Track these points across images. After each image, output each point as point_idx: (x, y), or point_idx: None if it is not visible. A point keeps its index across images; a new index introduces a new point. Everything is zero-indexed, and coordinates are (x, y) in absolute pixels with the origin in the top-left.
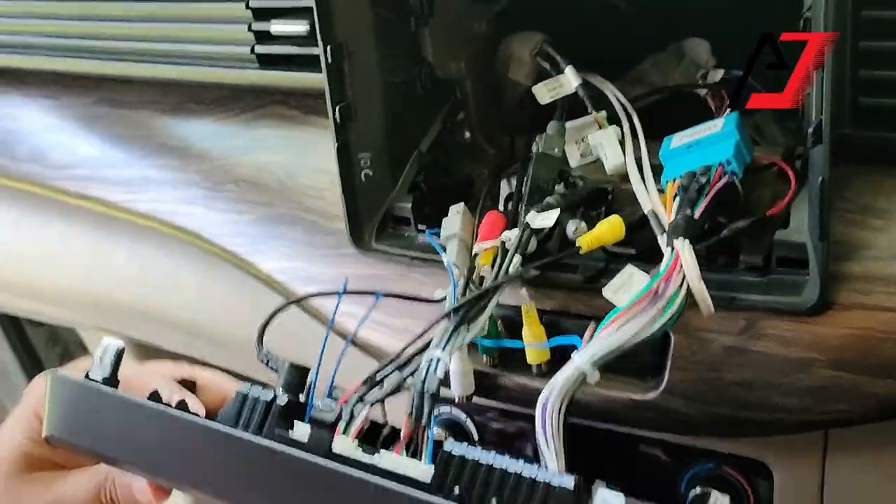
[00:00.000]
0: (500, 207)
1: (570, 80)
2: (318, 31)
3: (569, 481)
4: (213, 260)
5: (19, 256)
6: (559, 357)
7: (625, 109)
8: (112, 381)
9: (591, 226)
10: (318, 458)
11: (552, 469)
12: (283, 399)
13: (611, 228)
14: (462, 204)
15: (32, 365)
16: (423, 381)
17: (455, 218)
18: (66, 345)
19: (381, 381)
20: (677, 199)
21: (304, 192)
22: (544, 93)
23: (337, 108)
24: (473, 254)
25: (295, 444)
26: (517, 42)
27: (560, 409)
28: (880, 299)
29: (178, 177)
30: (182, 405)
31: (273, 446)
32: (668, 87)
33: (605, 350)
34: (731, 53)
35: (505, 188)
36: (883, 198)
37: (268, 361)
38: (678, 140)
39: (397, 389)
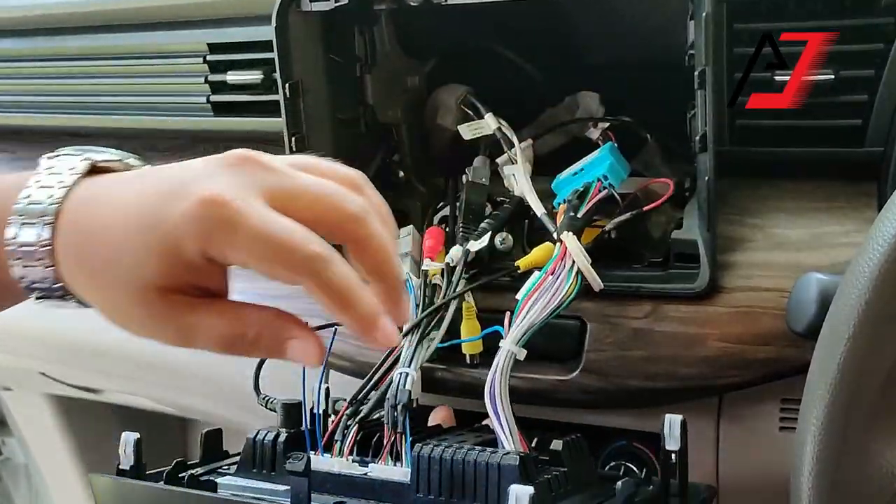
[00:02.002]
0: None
1: (489, 124)
2: (277, 70)
3: (514, 459)
4: None
5: None
6: (487, 350)
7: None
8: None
9: (515, 238)
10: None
11: (508, 448)
12: (283, 436)
13: (544, 253)
14: (411, 226)
15: None
16: (396, 395)
17: (406, 239)
18: None
19: (363, 400)
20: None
21: None
22: (467, 131)
23: (293, 139)
24: (423, 270)
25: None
26: (445, 92)
27: (505, 391)
28: (760, 281)
29: None
30: None
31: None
32: (559, 124)
33: (523, 330)
34: (617, 103)
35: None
36: (758, 202)
37: (266, 404)
38: (567, 171)
39: (377, 406)
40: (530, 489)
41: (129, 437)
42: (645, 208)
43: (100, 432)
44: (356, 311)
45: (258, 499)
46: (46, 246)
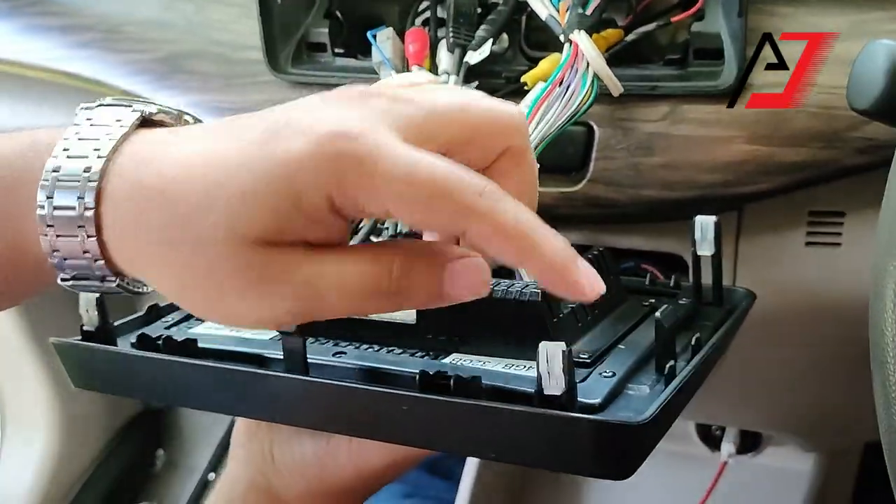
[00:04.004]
0: None
1: None
2: None
3: (535, 294)
4: None
5: None
6: None
7: None
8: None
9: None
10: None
11: (526, 279)
12: None
13: (552, 65)
14: (391, 29)
15: None
16: (397, 225)
17: (385, 44)
18: None
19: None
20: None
21: (212, 26)
22: None
23: None
24: None
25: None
26: None
27: None
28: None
29: (70, 22)
30: None
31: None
32: None
33: (534, 144)
34: None
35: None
36: None
37: None
38: None
39: (372, 232)
40: (562, 345)
41: (89, 296)
42: (674, 19)
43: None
44: (546, 253)
45: (242, 353)
46: (90, 210)
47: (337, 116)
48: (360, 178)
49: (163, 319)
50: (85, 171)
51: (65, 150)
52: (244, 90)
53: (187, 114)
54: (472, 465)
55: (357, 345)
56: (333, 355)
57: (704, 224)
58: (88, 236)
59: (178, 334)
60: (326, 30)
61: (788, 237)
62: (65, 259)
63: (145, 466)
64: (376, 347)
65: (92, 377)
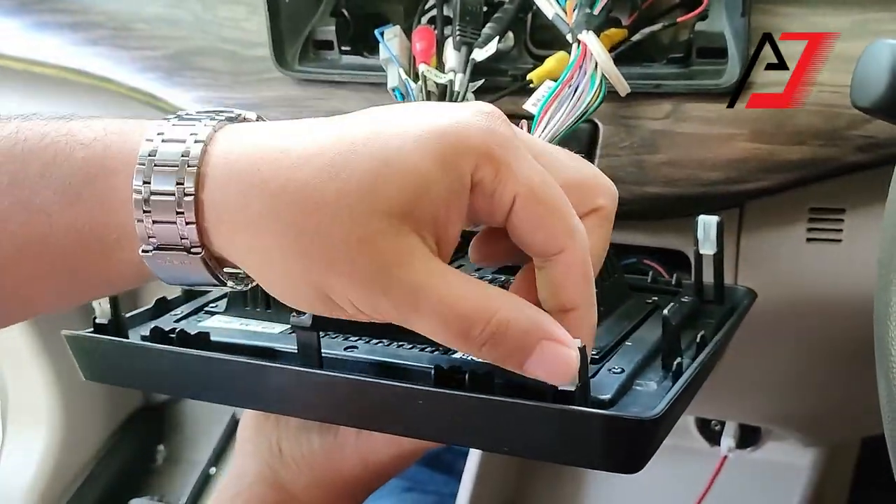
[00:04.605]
0: None
1: None
2: None
3: None
4: (124, 101)
5: None
6: None
7: None
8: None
9: (516, 38)
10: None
11: None
12: None
13: (558, 64)
14: (398, 27)
15: None
16: None
17: (392, 42)
18: None
19: None
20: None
21: (221, 24)
22: None
23: None
24: (422, 74)
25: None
26: None
27: None
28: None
29: (79, 19)
30: None
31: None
32: None
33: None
34: None
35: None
36: None
37: None
38: None
39: None
40: (577, 342)
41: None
42: (680, 19)
43: None
44: (589, 303)
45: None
46: (190, 196)
47: (485, 120)
48: (508, 152)
49: (172, 312)
50: (184, 156)
51: (159, 134)
52: (252, 87)
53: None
54: (473, 459)
55: (367, 339)
56: (345, 349)
57: (707, 223)
58: (187, 223)
59: (190, 327)
60: (333, 27)
61: (789, 234)
62: (159, 245)
63: (146, 461)
64: (386, 342)
65: (104, 370)
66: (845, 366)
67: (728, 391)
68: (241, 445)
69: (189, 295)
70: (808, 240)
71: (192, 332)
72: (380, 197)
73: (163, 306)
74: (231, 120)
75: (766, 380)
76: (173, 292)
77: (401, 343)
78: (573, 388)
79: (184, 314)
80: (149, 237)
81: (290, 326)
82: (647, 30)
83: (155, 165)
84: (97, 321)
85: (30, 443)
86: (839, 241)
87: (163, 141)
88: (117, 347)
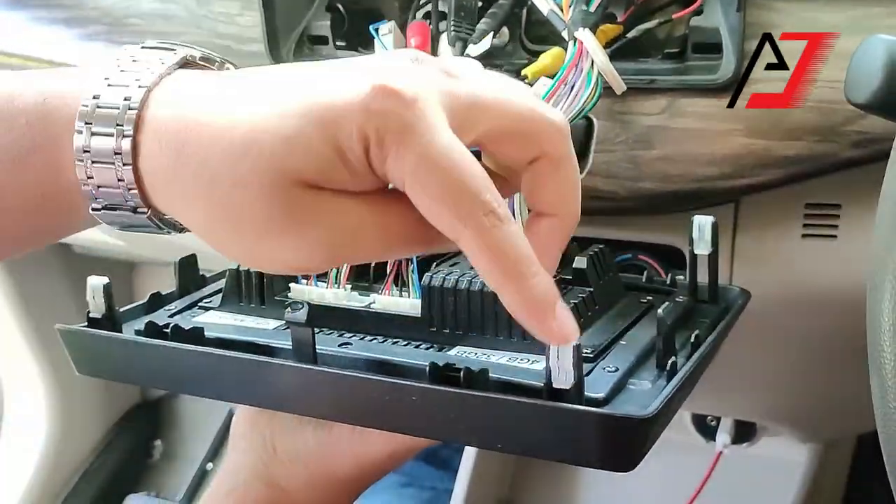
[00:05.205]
0: None
1: None
2: None
3: None
4: None
5: None
6: None
7: None
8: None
9: (511, 34)
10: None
11: None
12: None
13: (553, 60)
14: (392, 23)
15: None
16: None
17: (387, 37)
18: None
19: None
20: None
21: (215, 19)
22: None
23: None
24: None
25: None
26: None
27: (524, 208)
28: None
29: (74, 14)
30: None
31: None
32: None
33: None
34: None
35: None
36: None
37: None
38: None
39: None
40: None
41: (96, 282)
42: (675, 16)
43: (42, 284)
44: (527, 288)
45: (250, 343)
46: (127, 138)
47: (397, 77)
48: (399, 143)
49: (166, 308)
50: (125, 100)
51: (105, 79)
52: None
53: (230, 62)
54: (469, 455)
55: (362, 336)
56: (339, 346)
57: (702, 223)
58: (124, 164)
59: (185, 322)
60: (328, 22)
61: (785, 229)
62: (98, 187)
63: (143, 457)
64: (381, 339)
65: (98, 364)
66: (841, 361)
67: (724, 387)
68: (234, 442)
69: (184, 290)
70: (804, 236)
71: (187, 328)
72: (290, 168)
73: (157, 301)
74: (187, 64)
75: (762, 375)
76: (168, 287)
77: (395, 340)
78: (568, 387)
79: (178, 309)
80: (87, 177)
81: (284, 322)
82: (642, 27)
83: (97, 108)
84: (91, 315)
85: (26, 439)
86: (835, 237)
87: (108, 86)
88: (111, 342)
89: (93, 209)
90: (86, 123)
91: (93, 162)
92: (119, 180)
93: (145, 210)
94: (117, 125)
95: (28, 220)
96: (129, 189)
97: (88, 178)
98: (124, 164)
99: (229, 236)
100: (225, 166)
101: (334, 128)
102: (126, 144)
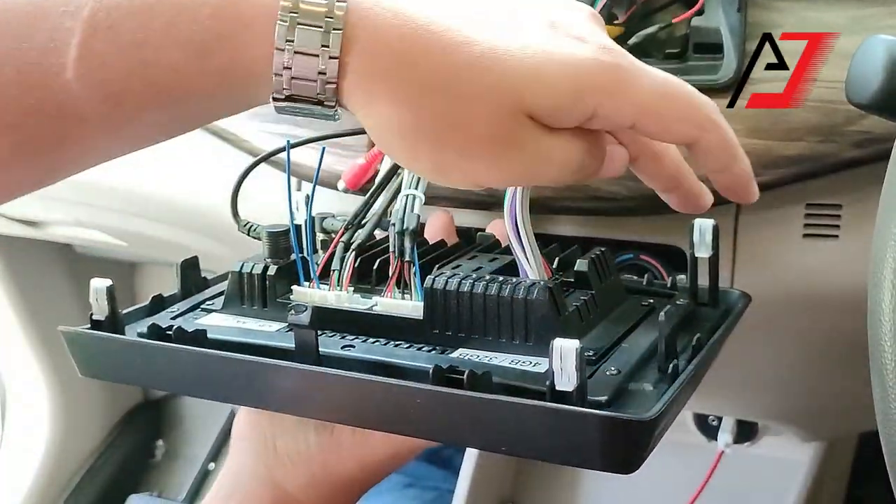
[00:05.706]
0: None
1: None
2: None
3: (543, 292)
4: None
5: None
6: None
7: None
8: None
9: None
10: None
11: (532, 276)
12: (272, 269)
13: None
14: None
15: None
16: (403, 219)
17: None
18: None
19: (359, 224)
20: None
21: None
22: None
23: None
24: None
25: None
26: None
27: (526, 212)
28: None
29: None
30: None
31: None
32: None
33: None
34: None
35: None
36: None
37: (249, 231)
38: None
39: (377, 227)
40: (576, 343)
41: (99, 285)
42: (675, 19)
43: (44, 285)
44: (747, 163)
45: (252, 345)
46: (338, 31)
47: (607, 39)
48: (630, 85)
49: (169, 309)
50: (328, 17)
51: None
52: None
53: None
54: (471, 455)
55: (364, 338)
56: (342, 348)
57: (703, 227)
58: (331, 57)
59: (187, 324)
60: None
61: (786, 229)
62: (293, 79)
63: (145, 457)
64: (383, 341)
65: (100, 366)
66: (842, 361)
67: (725, 387)
68: (236, 443)
69: (186, 292)
70: (805, 236)
71: (189, 330)
72: (531, 101)
73: (159, 303)
74: None
75: (764, 375)
76: (169, 288)
77: (398, 342)
78: (571, 389)
79: (180, 311)
80: (284, 68)
81: (286, 324)
82: (642, 32)
83: (298, 24)
84: (94, 317)
85: (29, 438)
86: (836, 236)
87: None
88: (114, 344)
89: (274, 98)
90: (290, 13)
91: (296, 52)
92: (320, 73)
93: (333, 104)
94: (327, 18)
95: (201, 105)
96: (328, 83)
97: (286, 68)
98: (331, 58)
99: (430, 146)
100: (459, 79)
101: (579, 79)
102: (336, 39)
